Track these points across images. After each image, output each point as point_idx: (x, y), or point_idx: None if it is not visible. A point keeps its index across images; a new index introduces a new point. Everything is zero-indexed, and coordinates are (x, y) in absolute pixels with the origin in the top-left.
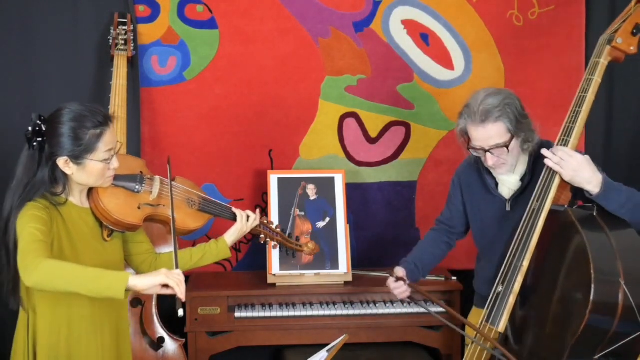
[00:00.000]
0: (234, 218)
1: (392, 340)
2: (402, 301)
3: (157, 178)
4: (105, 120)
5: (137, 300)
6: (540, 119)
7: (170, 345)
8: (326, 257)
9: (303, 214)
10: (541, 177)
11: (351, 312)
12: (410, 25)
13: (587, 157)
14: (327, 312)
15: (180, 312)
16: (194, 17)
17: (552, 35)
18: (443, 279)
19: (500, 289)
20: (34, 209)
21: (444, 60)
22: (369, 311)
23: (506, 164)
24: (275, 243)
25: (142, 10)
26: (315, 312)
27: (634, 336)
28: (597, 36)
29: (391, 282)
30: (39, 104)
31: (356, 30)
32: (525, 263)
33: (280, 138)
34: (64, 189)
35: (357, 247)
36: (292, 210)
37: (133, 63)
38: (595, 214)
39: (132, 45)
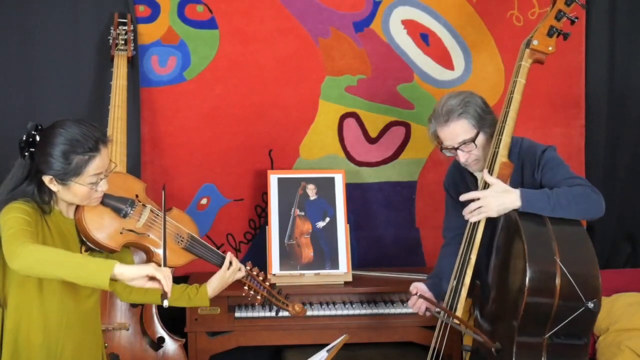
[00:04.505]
0: (219, 264)
1: (392, 340)
2: (402, 301)
3: (149, 207)
4: (96, 146)
5: None
6: (540, 119)
7: (170, 345)
8: (326, 257)
9: (303, 214)
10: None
11: (351, 312)
12: (410, 25)
13: (498, 181)
14: (327, 312)
15: (166, 303)
16: (194, 17)
17: None
18: None
19: (454, 283)
20: (20, 207)
21: (444, 60)
22: (368, 311)
23: (478, 159)
24: (260, 298)
25: (142, 10)
26: (315, 312)
27: (578, 312)
28: (597, 36)
29: (410, 301)
30: (39, 105)
31: (356, 30)
32: (473, 257)
33: (280, 138)
34: (50, 198)
35: (357, 247)
36: (292, 210)
37: (133, 63)
38: None
39: (132, 45)
